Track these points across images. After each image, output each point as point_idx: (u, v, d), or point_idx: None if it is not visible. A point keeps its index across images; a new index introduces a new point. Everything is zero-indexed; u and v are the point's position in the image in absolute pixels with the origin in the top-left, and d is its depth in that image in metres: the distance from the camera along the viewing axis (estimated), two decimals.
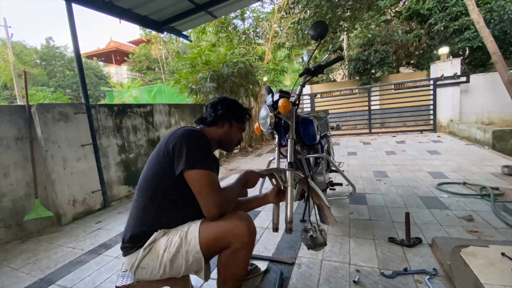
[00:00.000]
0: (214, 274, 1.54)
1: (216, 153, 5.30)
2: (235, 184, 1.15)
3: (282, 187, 1.31)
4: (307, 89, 9.24)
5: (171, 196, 1.03)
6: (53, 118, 2.54)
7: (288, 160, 1.39)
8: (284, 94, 1.51)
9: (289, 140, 1.47)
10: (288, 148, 1.45)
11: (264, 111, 1.55)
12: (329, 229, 1.96)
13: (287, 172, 1.31)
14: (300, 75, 1.65)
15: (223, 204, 1.00)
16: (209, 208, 0.98)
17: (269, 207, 2.49)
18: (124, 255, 1.04)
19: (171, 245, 0.97)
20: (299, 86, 1.62)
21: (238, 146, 6.22)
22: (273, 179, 1.38)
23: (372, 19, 6.72)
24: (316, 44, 1.66)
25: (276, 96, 1.51)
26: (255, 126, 1.70)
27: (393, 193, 2.63)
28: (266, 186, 2.18)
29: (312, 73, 1.60)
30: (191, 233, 0.98)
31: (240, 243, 0.97)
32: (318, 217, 1.39)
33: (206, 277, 1.06)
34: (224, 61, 5.16)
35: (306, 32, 5.25)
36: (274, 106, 1.50)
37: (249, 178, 1.21)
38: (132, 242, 1.02)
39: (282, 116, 1.48)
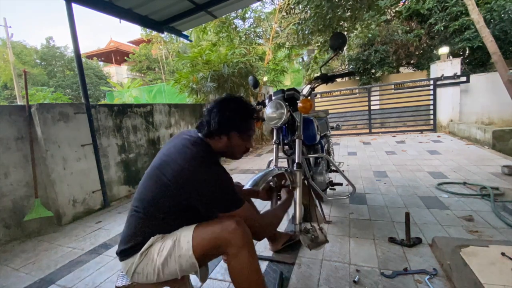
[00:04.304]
0: (213, 274, 1.55)
1: None
2: (279, 206, 1.25)
3: (290, 188, 1.32)
4: (307, 89, 9.22)
5: (175, 214, 1.01)
6: (53, 118, 2.54)
7: (296, 161, 1.38)
8: (296, 92, 1.50)
9: (297, 140, 1.46)
10: (296, 148, 1.44)
11: (272, 107, 1.51)
12: (329, 229, 1.96)
13: (296, 173, 1.31)
14: (316, 78, 1.63)
15: (261, 230, 1.07)
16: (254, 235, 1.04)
17: (269, 206, 2.49)
18: (121, 260, 1.05)
19: (163, 249, 0.96)
20: (308, 88, 1.62)
21: None
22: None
23: (372, 19, 6.74)
24: (333, 53, 1.61)
25: (288, 94, 1.51)
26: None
27: (393, 193, 2.62)
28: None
29: (326, 79, 1.58)
30: (184, 237, 0.96)
31: (236, 243, 0.93)
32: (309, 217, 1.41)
33: (203, 279, 1.05)
34: (224, 61, 5.16)
35: (306, 32, 5.26)
36: (286, 103, 1.48)
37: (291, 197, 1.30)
38: (129, 249, 1.02)
39: (296, 115, 1.48)
